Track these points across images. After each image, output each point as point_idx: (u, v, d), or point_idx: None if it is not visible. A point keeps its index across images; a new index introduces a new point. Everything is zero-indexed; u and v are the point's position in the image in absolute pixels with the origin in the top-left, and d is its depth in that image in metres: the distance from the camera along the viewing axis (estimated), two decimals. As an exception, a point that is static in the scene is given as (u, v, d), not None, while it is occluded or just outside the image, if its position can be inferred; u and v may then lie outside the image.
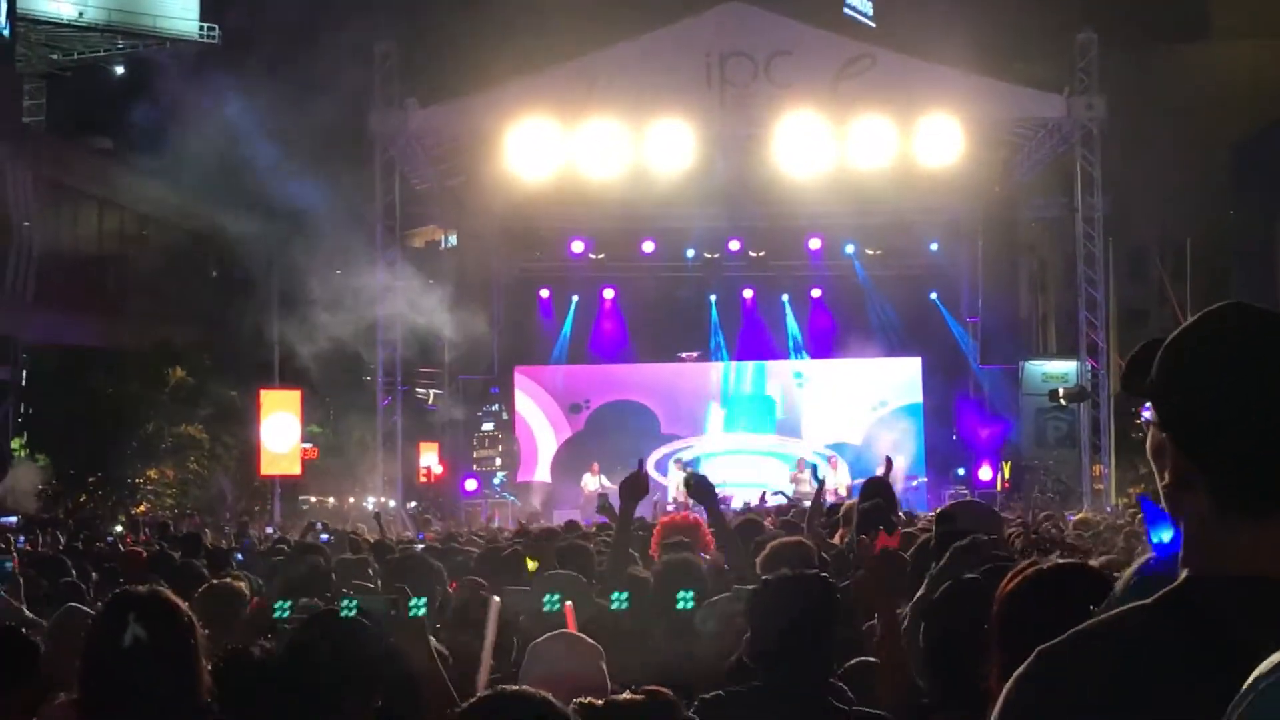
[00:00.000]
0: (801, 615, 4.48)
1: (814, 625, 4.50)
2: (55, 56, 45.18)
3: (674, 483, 28.58)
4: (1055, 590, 3.36)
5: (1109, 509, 24.69)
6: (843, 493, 26.20)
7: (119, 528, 24.62)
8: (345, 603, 4.58)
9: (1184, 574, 1.95)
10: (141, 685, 3.76)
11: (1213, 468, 1.91)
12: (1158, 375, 1.99)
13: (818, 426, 33.08)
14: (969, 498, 25.14)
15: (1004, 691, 1.96)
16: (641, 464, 8.30)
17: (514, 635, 5.69)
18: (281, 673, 4.27)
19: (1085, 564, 3.82)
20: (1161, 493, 2.04)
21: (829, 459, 30.18)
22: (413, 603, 4.62)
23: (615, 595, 5.43)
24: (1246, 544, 1.90)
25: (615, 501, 8.30)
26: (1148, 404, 2.06)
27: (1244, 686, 1.57)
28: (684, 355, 34.45)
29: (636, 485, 7.19)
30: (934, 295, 34.74)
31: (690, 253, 34.18)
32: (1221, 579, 1.89)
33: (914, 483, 30.13)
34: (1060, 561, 3.80)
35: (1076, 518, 17.57)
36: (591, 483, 28.76)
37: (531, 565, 8.35)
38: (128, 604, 3.88)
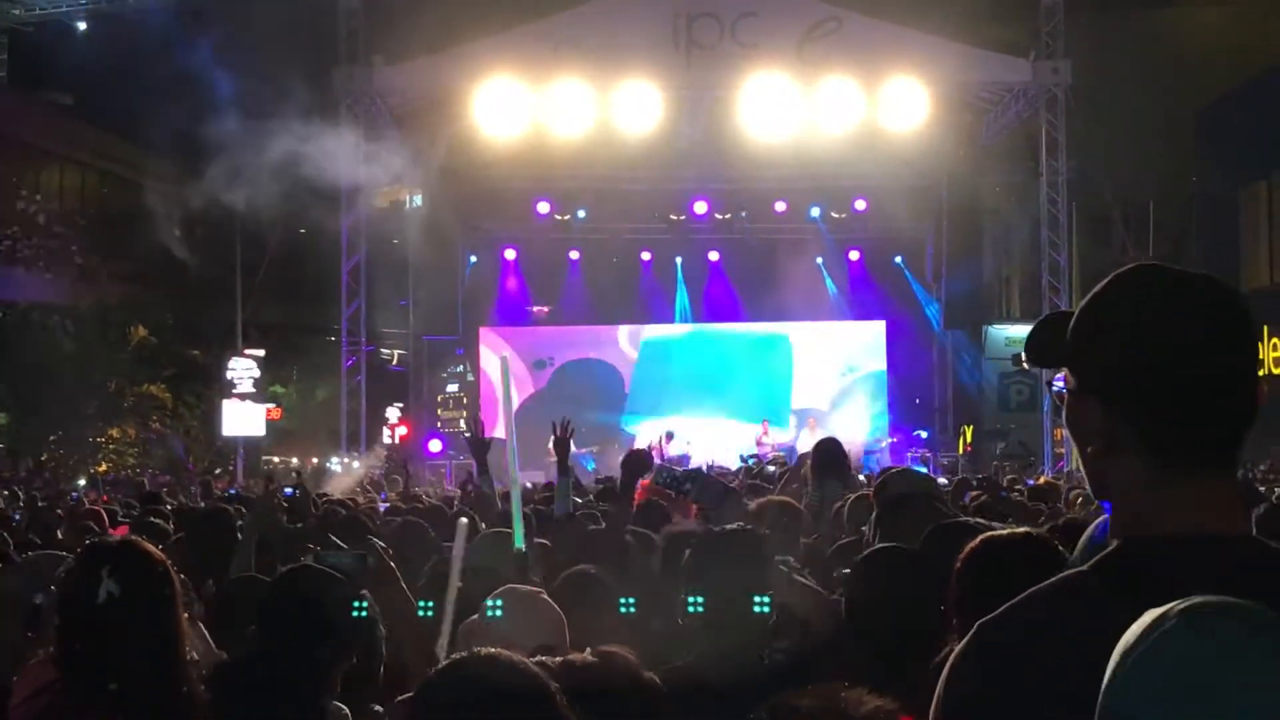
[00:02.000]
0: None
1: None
2: (16, 11, 44.59)
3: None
4: (1003, 561, 3.39)
5: (1070, 471, 24.87)
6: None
7: (82, 481, 24.52)
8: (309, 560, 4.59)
9: (1116, 539, 1.94)
10: (119, 639, 3.71)
11: (1147, 423, 1.91)
12: (1081, 339, 1.99)
13: (783, 390, 33.16)
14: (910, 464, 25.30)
15: (947, 666, 1.97)
16: (648, 449, 8.60)
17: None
18: (258, 626, 4.28)
19: (1032, 533, 3.83)
20: (1085, 462, 2.01)
21: (808, 420, 30.30)
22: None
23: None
24: (1182, 500, 1.90)
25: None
26: (1059, 375, 2.06)
27: (1112, 660, 1.54)
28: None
29: (639, 462, 7.46)
30: (898, 259, 34.83)
31: (655, 214, 34.14)
32: (1159, 538, 1.89)
33: (881, 444, 30.28)
34: (1008, 532, 3.82)
35: (1036, 482, 17.69)
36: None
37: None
38: (101, 557, 3.81)
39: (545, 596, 4.65)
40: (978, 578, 3.38)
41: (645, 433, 31.09)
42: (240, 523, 7.72)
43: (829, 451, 8.88)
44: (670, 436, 29.38)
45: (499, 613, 4.41)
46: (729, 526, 4.70)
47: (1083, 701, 1.57)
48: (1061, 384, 2.05)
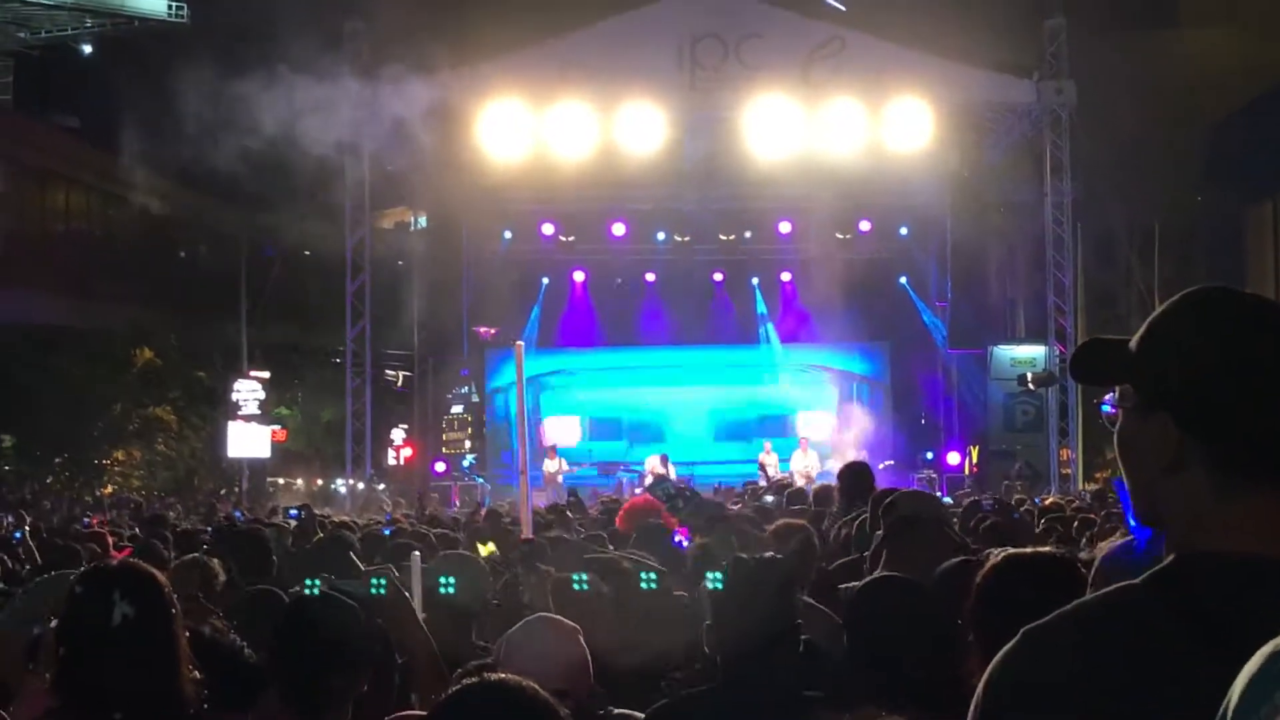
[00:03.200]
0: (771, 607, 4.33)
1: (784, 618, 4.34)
2: (23, 35, 44.82)
3: (654, 470, 28.66)
4: (1027, 579, 3.38)
5: (1077, 493, 24.82)
6: (812, 476, 26.28)
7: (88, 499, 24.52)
8: (308, 583, 4.57)
9: (1171, 555, 1.94)
10: (130, 661, 3.68)
11: (1221, 440, 1.92)
12: (1152, 354, 2.00)
13: (787, 410, 33.14)
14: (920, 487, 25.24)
15: (988, 670, 1.95)
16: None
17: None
18: (271, 651, 4.26)
19: (1055, 553, 3.83)
20: (1138, 481, 2.02)
21: (799, 442, 30.20)
22: (373, 582, 4.61)
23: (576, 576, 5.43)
24: (1245, 519, 1.89)
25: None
26: (1109, 396, 2.06)
27: (1260, 659, 1.51)
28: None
29: None
30: (903, 279, 34.80)
31: (660, 235, 34.15)
32: (1217, 554, 1.88)
33: (881, 466, 30.20)
34: (1032, 550, 3.82)
35: (1044, 501, 17.64)
36: (551, 465, 28.70)
37: (485, 550, 8.34)
38: (110, 580, 3.79)
39: (576, 633, 4.62)
40: (999, 595, 3.36)
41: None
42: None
43: (858, 475, 8.84)
44: (666, 459, 29.32)
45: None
46: (763, 555, 4.72)
47: (1129, 715, 1.53)
48: (1109, 405, 2.05)
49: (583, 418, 33.78)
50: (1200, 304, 2.00)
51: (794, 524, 7.38)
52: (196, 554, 7.49)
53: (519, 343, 8.40)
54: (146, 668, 3.71)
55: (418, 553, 5.14)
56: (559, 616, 4.78)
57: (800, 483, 22.61)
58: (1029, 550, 3.81)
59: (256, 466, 31.72)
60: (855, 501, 8.47)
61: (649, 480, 27.79)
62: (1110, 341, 2.11)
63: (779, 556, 4.81)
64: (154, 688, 3.72)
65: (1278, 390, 1.90)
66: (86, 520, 18.86)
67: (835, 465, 17.24)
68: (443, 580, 5.30)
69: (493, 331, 34.14)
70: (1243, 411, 1.90)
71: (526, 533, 8.36)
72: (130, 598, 3.73)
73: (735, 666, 4.28)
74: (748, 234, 34.01)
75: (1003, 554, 3.61)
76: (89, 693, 3.70)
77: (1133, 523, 2.43)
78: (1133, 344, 2.05)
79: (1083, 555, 6.62)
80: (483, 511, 20.53)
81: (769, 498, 15.50)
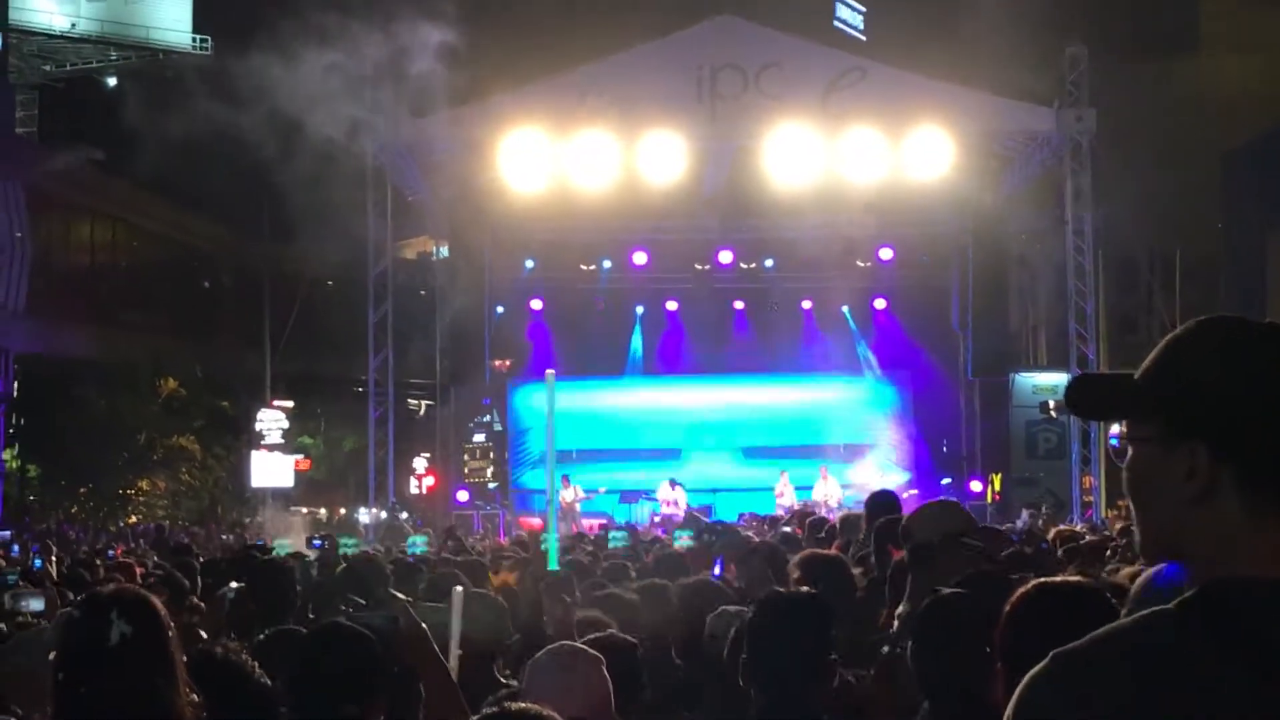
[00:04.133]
0: (798, 637, 4.33)
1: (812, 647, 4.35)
2: (48, 68, 45.17)
3: (665, 497, 28.68)
4: (1063, 608, 3.37)
5: (1099, 521, 24.76)
6: (833, 504, 26.21)
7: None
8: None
9: (1205, 580, 1.92)
10: (128, 680, 3.72)
11: (1254, 464, 1.92)
12: (1175, 384, 1.99)
13: (809, 438, 33.09)
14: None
15: (1018, 692, 1.94)
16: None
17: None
18: (289, 683, 4.29)
19: (1085, 583, 3.80)
20: (1160, 517, 2.00)
21: (820, 470, 30.15)
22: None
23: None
24: (1276, 546, 1.89)
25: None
26: (1115, 429, 2.07)
27: None
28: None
29: None
30: (924, 307, 34.75)
31: (681, 265, 34.21)
32: (1255, 580, 1.87)
33: (904, 495, 30.10)
34: (1062, 579, 3.81)
35: (1053, 533, 17.56)
36: (567, 494, 28.69)
37: (498, 580, 8.34)
38: (106, 602, 3.83)
39: (599, 663, 4.63)
40: (1030, 624, 3.35)
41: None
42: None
43: (884, 504, 8.73)
44: (674, 484, 29.33)
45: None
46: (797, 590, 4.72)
47: None
48: (1116, 438, 2.06)
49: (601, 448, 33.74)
50: (1222, 332, 2.01)
51: (821, 554, 7.35)
52: (227, 589, 7.53)
53: (550, 371, 8.45)
54: (144, 689, 3.73)
55: (459, 588, 5.15)
56: (582, 646, 4.81)
57: (822, 511, 22.59)
58: (1059, 580, 3.79)
59: (279, 496, 31.79)
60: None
61: (666, 511, 27.89)
62: (1108, 375, 2.10)
63: (813, 592, 4.79)
64: (151, 710, 3.74)
65: None
66: (112, 552, 18.94)
67: (856, 493, 17.20)
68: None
69: (507, 363, 34.21)
70: (1275, 435, 1.90)
71: (553, 563, 8.38)
72: (127, 618, 3.77)
73: (767, 700, 4.29)
74: (769, 262, 34.06)
75: (1034, 584, 3.59)
76: (88, 712, 3.72)
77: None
78: (1142, 375, 2.04)
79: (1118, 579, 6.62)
80: (502, 540, 20.59)
81: (786, 528, 15.44)
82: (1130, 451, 2.04)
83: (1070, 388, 2.11)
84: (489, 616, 5.95)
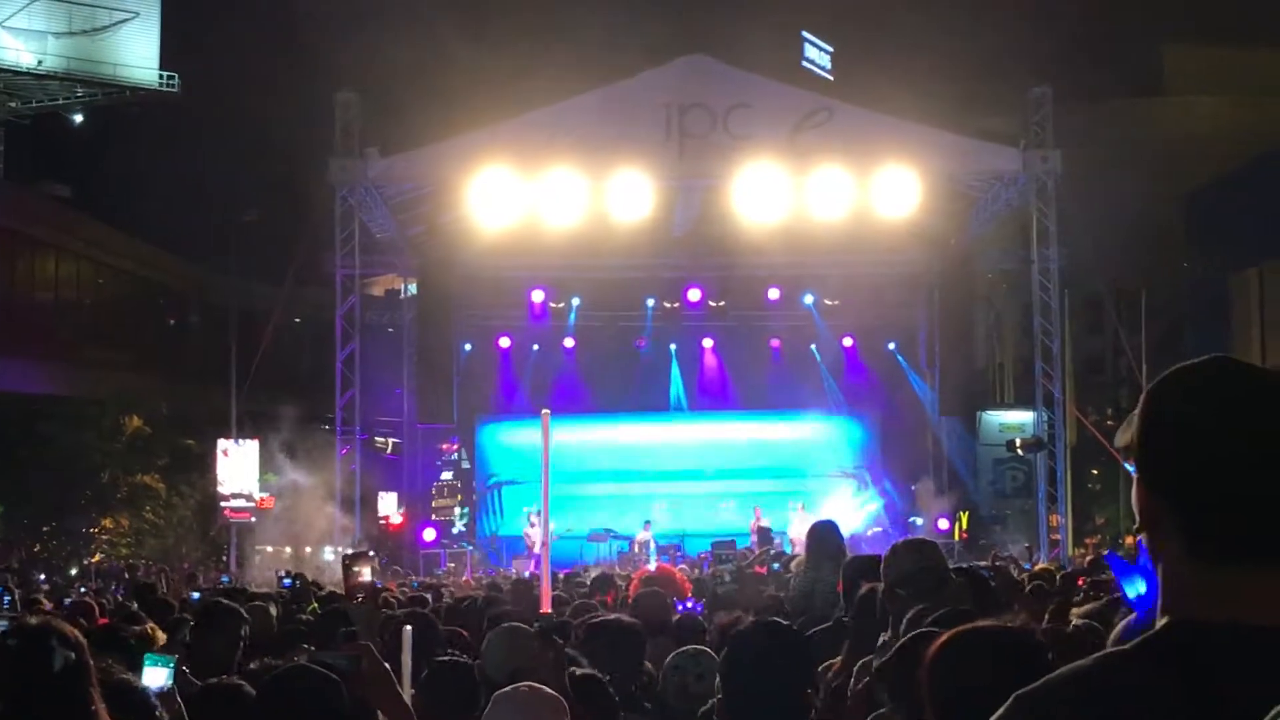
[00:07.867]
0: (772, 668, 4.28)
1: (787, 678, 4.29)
2: (14, 104, 44.97)
3: (640, 539, 28.71)
4: (985, 654, 3.29)
5: (1065, 559, 24.81)
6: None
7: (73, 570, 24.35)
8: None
9: (1163, 620, 1.94)
10: (73, 710, 3.72)
11: (1184, 511, 1.94)
12: (1140, 425, 2.02)
13: (777, 477, 33.13)
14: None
15: None
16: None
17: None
18: None
19: (1010, 627, 3.70)
20: (1147, 543, 2.04)
21: (796, 506, 30.16)
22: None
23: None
24: (1221, 589, 1.90)
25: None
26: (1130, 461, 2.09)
27: None
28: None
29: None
30: (892, 345, 34.91)
31: (650, 302, 34.26)
32: (1201, 625, 1.89)
33: (869, 533, 30.15)
34: (985, 624, 3.71)
35: (1035, 568, 17.63)
36: (535, 533, 28.57)
37: None
38: (43, 631, 3.84)
39: (560, 706, 4.62)
40: (953, 673, 3.27)
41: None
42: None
43: (823, 535, 8.68)
44: (648, 525, 29.38)
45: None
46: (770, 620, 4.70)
47: None
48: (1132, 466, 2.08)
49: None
50: (1183, 377, 2.02)
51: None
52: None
53: (545, 411, 8.41)
54: (88, 715, 3.75)
55: (409, 627, 5.12)
56: (543, 687, 4.78)
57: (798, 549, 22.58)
58: (983, 624, 3.68)
59: (244, 534, 31.54)
60: (822, 561, 8.30)
61: (647, 547, 27.95)
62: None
63: (789, 625, 4.76)
64: None
65: (1232, 460, 1.90)
66: (84, 589, 18.78)
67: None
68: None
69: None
70: (1206, 486, 1.91)
71: (545, 606, 8.31)
72: (65, 645, 3.78)
73: None
74: (738, 300, 34.14)
75: (953, 632, 3.50)
76: None
77: (1128, 594, 2.45)
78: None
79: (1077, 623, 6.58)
80: (467, 580, 20.44)
81: (776, 564, 15.43)
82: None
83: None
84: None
